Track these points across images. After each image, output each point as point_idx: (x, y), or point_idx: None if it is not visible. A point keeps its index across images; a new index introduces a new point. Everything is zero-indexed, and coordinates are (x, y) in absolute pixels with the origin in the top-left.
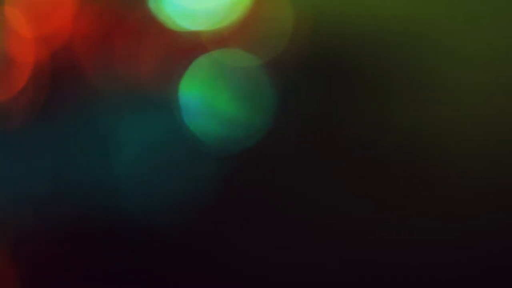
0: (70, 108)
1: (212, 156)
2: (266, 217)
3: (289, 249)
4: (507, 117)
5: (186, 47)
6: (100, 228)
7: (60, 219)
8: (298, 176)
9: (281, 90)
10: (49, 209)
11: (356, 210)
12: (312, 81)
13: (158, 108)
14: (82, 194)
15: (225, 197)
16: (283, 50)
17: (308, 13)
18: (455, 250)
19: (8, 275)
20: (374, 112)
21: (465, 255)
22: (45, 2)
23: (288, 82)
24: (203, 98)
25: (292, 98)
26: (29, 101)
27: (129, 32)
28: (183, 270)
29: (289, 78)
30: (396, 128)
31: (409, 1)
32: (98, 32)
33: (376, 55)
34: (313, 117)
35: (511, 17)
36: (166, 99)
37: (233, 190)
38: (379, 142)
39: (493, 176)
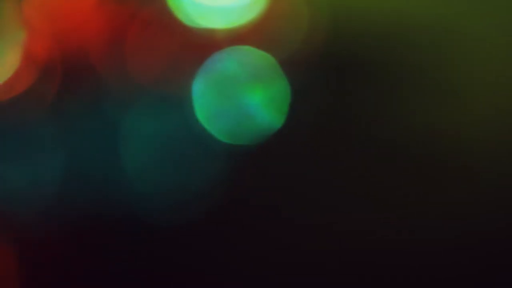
0: (82, 104)
1: (223, 153)
2: (272, 217)
3: (289, 249)
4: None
5: (201, 44)
6: (108, 225)
7: (69, 215)
8: (308, 175)
9: (295, 88)
10: (58, 205)
11: (359, 210)
12: (326, 80)
13: (171, 105)
14: (92, 190)
15: (234, 195)
16: (297, 48)
17: (323, 11)
18: (455, 250)
19: (15, 272)
20: (388, 112)
21: (465, 255)
22: None
23: (302, 80)
24: (216, 96)
25: (306, 97)
26: (41, 97)
27: (144, 28)
28: (184, 270)
29: (303, 77)
30: (410, 128)
31: None
32: (112, 27)
33: (391, 54)
34: (326, 115)
35: None
36: (180, 96)
37: (243, 188)
38: (393, 141)
39: (493, 176)
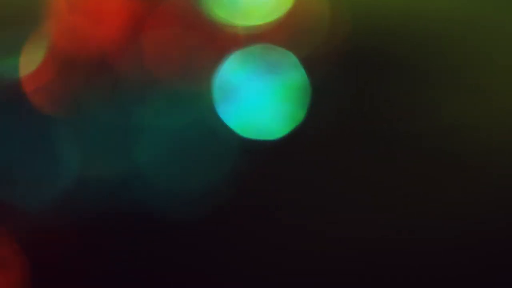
0: (100, 98)
1: (240, 149)
2: (282, 215)
3: (290, 248)
4: None
5: (223, 40)
6: (117, 222)
7: (81, 210)
8: (322, 174)
9: (315, 85)
10: (71, 199)
11: (359, 210)
12: (346, 77)
13: (190, 100)
14: (107, 186)
15: (246, 192)
16: (318, 46)
17: (344, 9)
18: (455, 250)
19: (25, 266)
20: (409, 109)
21: (465, 255)
22: None
23: (323, 78)
24: (237, 91)
25: (326, 94)
26: (60, 91)
27: (167, 23)
28: (188, 269)
29: (324, 74)
30: (430, 125)
31: None
32: (135, 21)
33: (413, 51)
34: (346, 113)
35: None
36: (199, 91)
37: (256, 185)
38: (413, 138)
39: (493, 176)
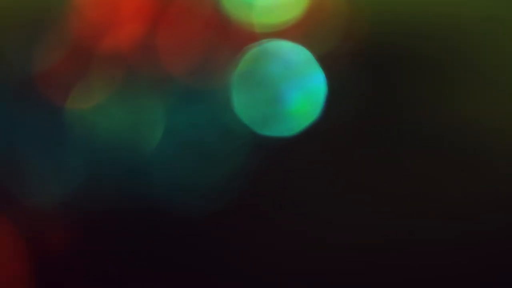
0: (117, 95)
1: (255, 145)
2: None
3: (289, 248)
4: None
5: (241, 37)
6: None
7: (92, 206)
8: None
9: (332, 83)
10: (84, 193)
11: (359, 210)
12: (364, 76)
13: (206, 96)
14: (120, 180)
15: (260, 188)
16: (336, 45)
17: (363, 8)
18: (455, 250)
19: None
20: (426, 107)
21: (465, 255)
22: None
23: (340, 76)
24: (253, 88)
25: (343, 92)
26: (77, 87)
27: (185, 20)
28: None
29: (341, 72)
30: (449, 122)
31: None
32: (152, 18)
33: (431, 50)
34: (362, 112)
35: None
36: (216, 87)
37: (270, 181)
38: (435, 137)
39: (494, 176)
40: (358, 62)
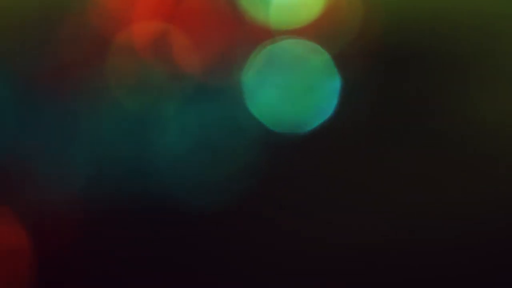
0: (130, 90)
1: (267, 143)
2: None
3: (289, 248)
4: None
5: (254, 34)
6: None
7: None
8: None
9: (346, 81)
10: (85, 192)
11: (359, 209)
12: (378, 74)
13: (220, 93)
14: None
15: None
16: (351, 43)
17: (377, 6)
18: (455, 250)
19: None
20: (439, 105)
21: (465, 255)
22: None
23: (354, 74)
24: (267, 85)
25: (357, 90)
26: (88, 83)
27: (198, 17)
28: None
29: (356, 70)
30: (464, 122)
31: None
32: (166, 14)
33: (446, 49)
34: (376, 109)
35: None
36: (229, 85)
37: (278, 178)
38: (445, 135)
39: (494, 176)
40: (372, 60)
